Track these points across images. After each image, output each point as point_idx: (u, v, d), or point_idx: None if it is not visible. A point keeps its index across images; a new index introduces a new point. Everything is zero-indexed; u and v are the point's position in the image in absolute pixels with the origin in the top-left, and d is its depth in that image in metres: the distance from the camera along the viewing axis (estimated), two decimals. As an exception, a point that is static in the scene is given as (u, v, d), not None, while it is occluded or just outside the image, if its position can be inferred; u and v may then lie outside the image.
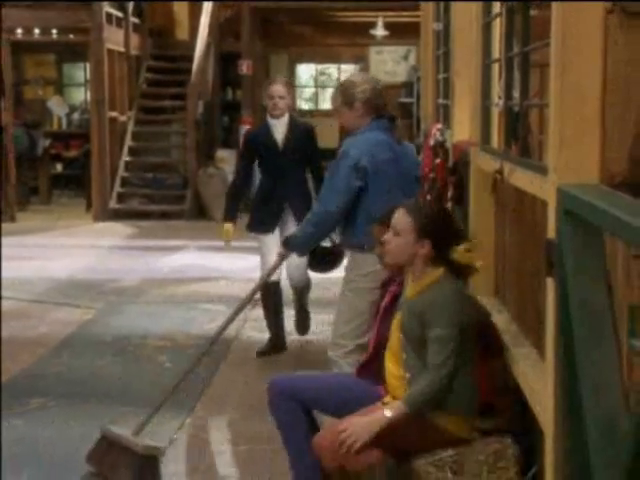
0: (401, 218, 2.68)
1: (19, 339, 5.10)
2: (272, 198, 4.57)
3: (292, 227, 4.36)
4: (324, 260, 4.16)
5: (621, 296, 1.75)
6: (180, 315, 5.72)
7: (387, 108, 3.59)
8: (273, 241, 4.50)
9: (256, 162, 4.64)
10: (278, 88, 4.54)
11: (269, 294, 4.66)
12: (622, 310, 1.73)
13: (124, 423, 3.73)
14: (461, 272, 2.69)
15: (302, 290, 4.77)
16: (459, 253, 2.65)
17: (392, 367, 2.70)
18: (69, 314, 5.76)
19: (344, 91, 3.50)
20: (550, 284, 1.92)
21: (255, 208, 4.67)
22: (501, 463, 2.58)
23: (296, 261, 4.33)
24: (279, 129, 4.56)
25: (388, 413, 2.51)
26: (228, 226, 4.62)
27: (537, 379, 2.32)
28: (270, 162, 4.57)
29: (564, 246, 1.78)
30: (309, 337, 5.07)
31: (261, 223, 4.60)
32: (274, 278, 4.48)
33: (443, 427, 2.57)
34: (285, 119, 4.57)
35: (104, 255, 8.11)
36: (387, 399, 2.66)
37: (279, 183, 4.55)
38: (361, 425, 2.50)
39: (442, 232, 2.68)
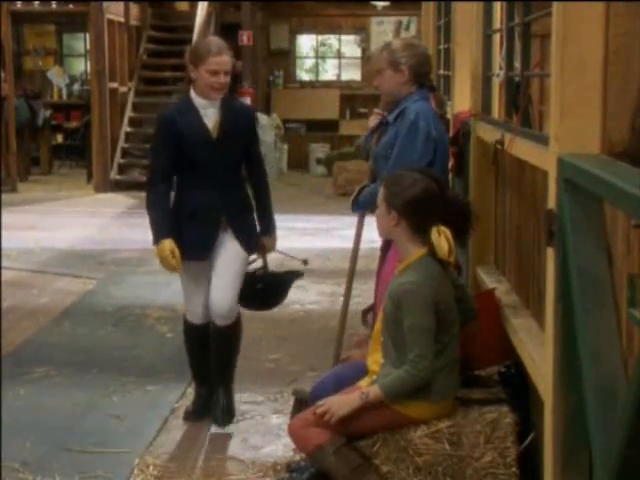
0: (381, 190, 2.65)
1: (21, 309, 5.12)
2: (203, 211, 3.25)
3: (232, 251, 3.28)
4: (264, 291, 3.40)
5: (621, 265, 1.75)
6: (180, 285, 5.70)
7: (431, 77, 3.34)
8: (203, 271, 3.31)
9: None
10: (225, 60, 3.17)
11: (192, 335, 3.52)
12: (622, 279, 1.72)
13: (125, 393, 3.76)
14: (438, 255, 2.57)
15: (227, 333, 3.38)
16: (434, 235, 2.55)
17: (374, 351, 2.68)
18: (70, 284, 5.77)
19: (393, 52, 3.19)
20: (550, 254, 1.93)
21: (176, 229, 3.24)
22: (498, 433, 2.59)
23: (222, 283, 3.28)
24: (210, 113, 3.22)
25: (364, 396, 2.51)
26: (167, 244, 3.17)
27: (537, 349, 2.33)
28: (199, 159, 3.22)
29: (564, 216, 1.78)
30: (311, 307, 5.06)
31: (190, 247, 3.24)
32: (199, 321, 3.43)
33: (407, 415, 2.56)
34: (218, 100, 3.23)
35: (105, 225, 8.10)
36: (363, 382, 2.64)
37: (211, 188, 3.23)
38: (338, 402, 2.52)
39: (412, 208, 2.57)
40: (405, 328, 2.51)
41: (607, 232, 1.77)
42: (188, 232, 3.23)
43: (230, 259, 3.29)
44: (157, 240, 3.19)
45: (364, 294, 4.74)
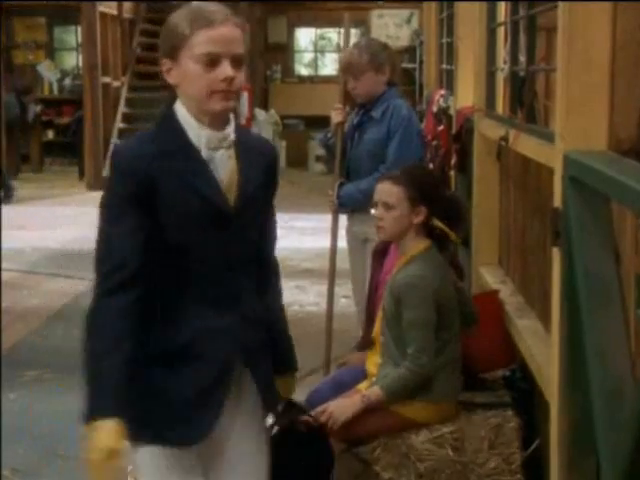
0: (390, 190, 2.58)
1: (11, 310, 5.05)
2: (202, 350, 1.73)
3: (253, 422, 1.82)
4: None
5: (628, 265, 1.72)
6: None
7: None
8: (193, 467, 1.75)
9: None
10: (231, 34, 1.69)
11: None
12: (629, 279, 1.69)
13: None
14: (443, 241, 2.61)
15: None
16: (438, 223, 2.58)
17: (373, 354, 2.64)
18: (63, 285, 5.71)
19: (374, 54, 3.25)
20: (556, 254, 1.90)
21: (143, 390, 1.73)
22: (502, 438, 2.55)
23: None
24: (219, 156, 1.70)
25: (365, 399, 2.47)
26: (110, 427, 1.61)
27: (542, 351, 2.30)
28: (197, 249, 1.71)
29: (570, 215, 1.75)
30: (311, 308, 5.02)
31: (173, 420, 1.72)
32: None
33: (409, 417, 2.51)
34: (231, 127, 1.72)
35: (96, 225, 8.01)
36: (363, 386, 2.59)
37: (218, 303, 1.74)
38: (338, 408, 2.48)
39: (434, 195, 2.59)
40: (404, 322, 2.47)
41: (614, 231, 1.73)
42: (171, 391, 1.70)
43: (253, 442, 1.80)
44: (92, 413, 1.61)
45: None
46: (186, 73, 1.64)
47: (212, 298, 1.72)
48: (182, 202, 1.64)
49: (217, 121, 1.67)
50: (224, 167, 1.69)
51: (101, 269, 1.65)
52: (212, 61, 1.61)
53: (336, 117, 3.42)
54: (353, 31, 13.08)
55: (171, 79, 1.66)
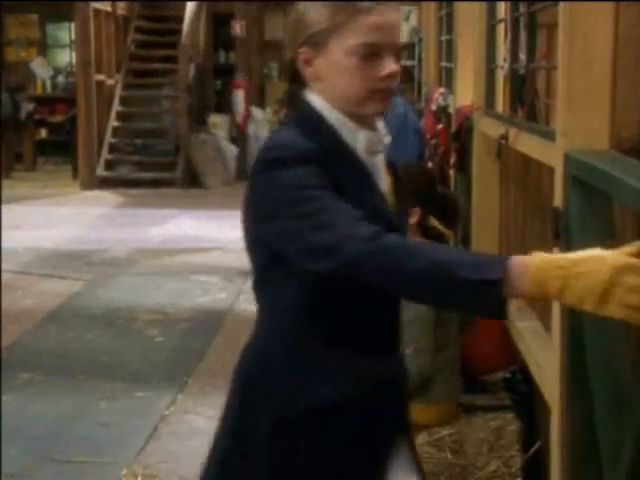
0: None
1: (4, 311, 4.99)
2: (370, 404, 1.35)
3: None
4: None
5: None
6: (172, 287, 5.62)
7: None
8: None
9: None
10: (395, 19, 1.36)
11: None
12: None
13: (113, 399, 3.67)
14: (439, 241, 2.55)
15: None
16: (434, 222, 2.56)
17: None
18: (56, 286, 5.65)
19: None
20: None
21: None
22: (502, 441, 2.53)
23: None
24: (378, 162, 1.41)
25: None
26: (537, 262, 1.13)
27: (543, 353, 2.27)
28: None
29: (571, 214, 1.73)
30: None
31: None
32: None
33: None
34: (382, 125, 1.44)
35: (92, 224, 7.98)
36: None
37: (380, 338, 1.42)
38: None
39: (429, 195, 2.56)
40: (403, 322, 2.43)
41: (616, 231, 1.71)
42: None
43: None
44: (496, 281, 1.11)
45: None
46: (336, 67, 1.33)
47: (379, 330, 1.39)
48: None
49: (370, 120, 1.37)
50: (382, 176, 1.39)
51: (344, 227, 1.17)
52: (372, 54, 1.31)
53: None
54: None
55: (309, 72, 1.35)
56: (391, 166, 1.43)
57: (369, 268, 1.13)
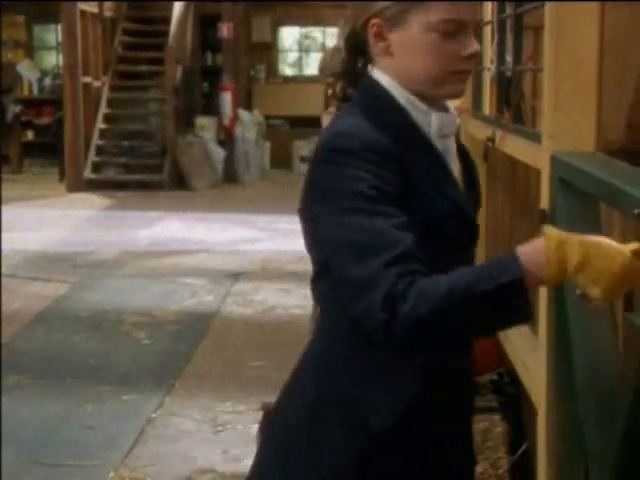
0: None
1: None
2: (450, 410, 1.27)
3: None
4: None
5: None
6: (159, 289, 5.60)
7: None
8: None
9: None
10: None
11: None
12: None
13: (100, 402, 3.65)
14: None
15: None
16: None
17: None
18: (43, 288, 5.62)
19: None
20: None
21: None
22: (489, 442, 2.53)
23: None
24: (450, 144, 1.28)
25: None
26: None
27: (530, 355, 2.27)
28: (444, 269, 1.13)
29: (558, 216, 1.72)
30: (295, 311, 4.97)
31: None
32: None
33: None
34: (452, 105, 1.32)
35: (79, 227, 7.94)
36: None
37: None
38: None
39: None
40: None
41: (603, 233, 1.67)
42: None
43: None
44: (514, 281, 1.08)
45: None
46: (413, 43, 1.20)
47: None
48: (431, 210, 1.19)
49: (440, 101, 1.27)
50: (454, 160, 1.28)
51: (380, 258, 1.08)
52: (454, 31, 1.20)
53: (327, 121, 3.39)
54: (337, 30, 13.08)
55: (380, 46, 1.22)
56: (461, 149, 1.31)
57: (401, 337, 1.07)
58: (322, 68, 3.23)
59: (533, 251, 1.07)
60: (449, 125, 1.26)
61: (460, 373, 1.26)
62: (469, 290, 1.05)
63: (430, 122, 1.23)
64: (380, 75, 1.24)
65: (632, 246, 1.08)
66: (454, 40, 1.20)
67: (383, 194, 1.13)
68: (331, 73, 1.42)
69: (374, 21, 1.22)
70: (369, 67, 1.26)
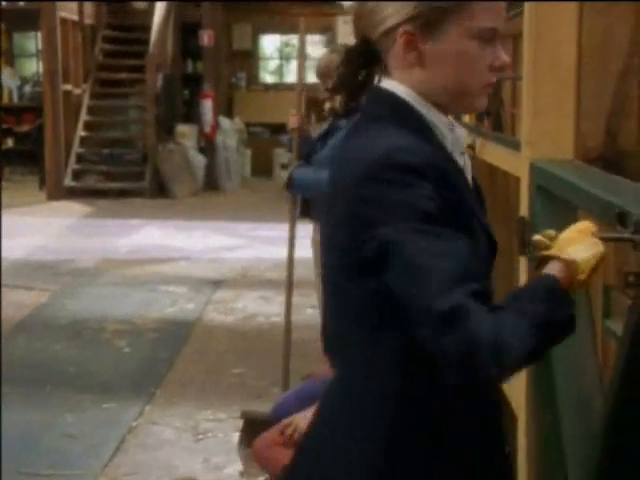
0: None
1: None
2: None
3: None
4: None
5: (596, 275, 1.70)
6: (139, 297, 5.58)
7: None
8: None
9: None
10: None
11: None
12: (597, 290, 1.65)
13: (81, 411, 3.63)
14: None
15: None
16: None
17: None
18: (23, 297, 5.58)
19: None
20: (522, 263, 1.88)
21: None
22: None
23: None
24: (467, 160, 1.25)
25: None
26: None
27: None
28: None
29: (537, 224, 1.72)
30: (275, 319, 4.97)
31: None
32: None
33: None
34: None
35: (59, 235, 7.89)
36: None
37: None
38: (305, 420, 2.38)
39: None
40: None
41: None
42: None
43: None
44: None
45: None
46: (451, 52, 1.11)
47: None
48: (469, 233, 1.10)
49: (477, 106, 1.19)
50: (469, 176, 1.21)
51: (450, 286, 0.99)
52: (489, 40, 1.11)
53: (293, 123, 3.45)
54: (317, 38, 13.10)
55: (410, 56, 1.11)
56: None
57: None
58: (323, 73, 3.20)
59: (559, 271, 1.07)
60: (465, 142, 1.24)
61: (494, 407, 1.19)
62: (549, 323, 1.02)
63: (450, 137, 1.15)
64: (400, 88, 1.13)
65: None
66: (488, 50, 1.12)
67: (450, 215, 1.05)
68: (326, 88, 1.30)
69: (405, 29, 1.10)
70: (376, 79, 1.16)
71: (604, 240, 1.14)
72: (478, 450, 1.13)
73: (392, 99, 1.13)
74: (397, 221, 1.02)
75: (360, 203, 1.06)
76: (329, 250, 1.14)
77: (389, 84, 1.14)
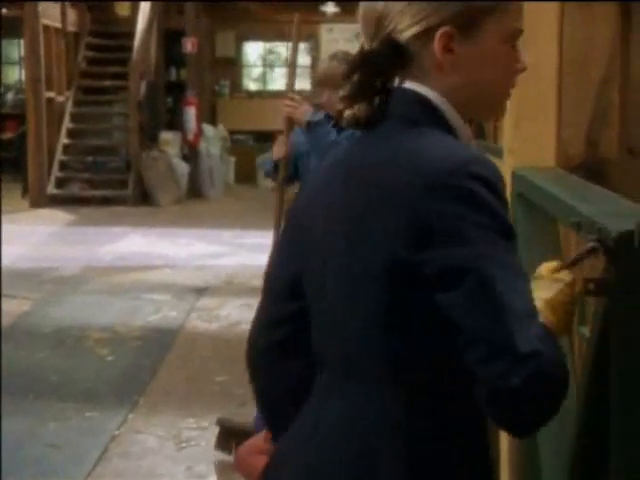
0: None
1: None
2: None
3: None
4: None
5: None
6: (123, 306, 5.55)
7: None
8: None
9: None
10: None
11: None
12: None
13: (63, 419, 3.61)
14: None
15: None
16: None
17: None
18: (5, 305, 5.51)
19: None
20: None
21: None
22: None
23: None
24: None
25: None
26: None
27: None
28: None
29: (518, 231, 1.73)
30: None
31: None
32: None
33: None
34: None
35: (42, 243, 7.84)
36: None
37: None
38: None
39: None
40: None
41: (561, 248, 1.72)
42: None
43: None
44: None
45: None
46: (489, 55, 1.04)
47: None
48: None
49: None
50: None
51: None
52: (517, 41, 1.07)
53: (278, 153, 3.23)
54: (301, 45, 13.13)
55: (446, 60, 1.03)
56: None
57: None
58: (322, 81, 3.13)
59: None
60: None
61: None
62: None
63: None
64: (432, 94, 1.05)
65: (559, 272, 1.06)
66: (515, 52, 1.06)
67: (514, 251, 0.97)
68: (340, 98, 1.13)
69: (444, 30, 1.02)
70: (399, 82, 1.06)
71: (571, 265, 1.09)
72: (485, 455, 1.10)
73: (426, 104, 1.04)
74: (479, 245, 0.93)
75: (431, 215, 0.95)
76: (358, 257, 1.02)
77: (418, 87, 1.05)
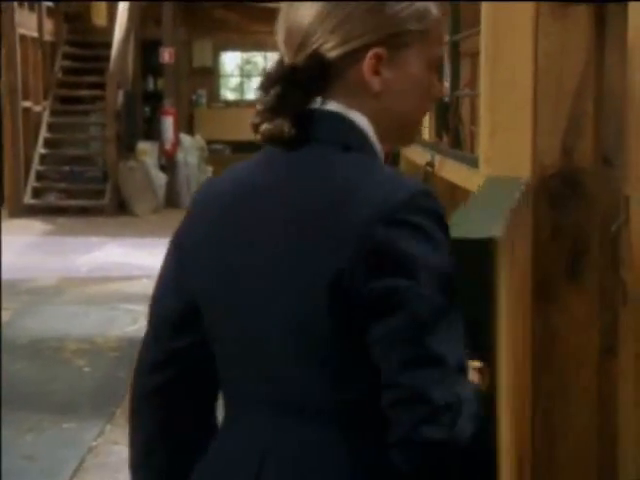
0: None
1: None
2: None
3: None
4: None
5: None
6: (100, 316, 5.52)
7: None
8: None
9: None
10: None
11: None
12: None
13: (40, 431, 3.57)
14: None
15: None
16: None
17: None
18: (-18, 316, 5.49)
19: None
20: None
21: None
22: None
23: None
24: None
25: None
26: None
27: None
28: None
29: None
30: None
31: None
32: None
33: None
34: None
35: (19, 253, 7.76)
36: None
37: None
38: None
39: None
40: None
41: None
42: None
43: None
44: None
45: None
46: (414, 80, 1.02)
47: None
48: None
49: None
50: None
51: None
52: (435, 62, 1.05)
53: None
54: (277, 56, 13.16)
55: (375, 82, 1.00)
56: None
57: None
58: None
59: None
60: None
61: None
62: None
63: None
64: (360, 118, 1.00)
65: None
66: (434, 79, 1.05)
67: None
68: (257, 111, 1.03)
69: (376, 51, 0.99)
70: (321, 101, 1.00)
71: None
72: None
73: (354, 127, 0.99)
74: (424, 281, 0.90)
75: (379, 248, 0.91)
76: (292, 286, 0.95)
77: (345, 110, 1.00)
